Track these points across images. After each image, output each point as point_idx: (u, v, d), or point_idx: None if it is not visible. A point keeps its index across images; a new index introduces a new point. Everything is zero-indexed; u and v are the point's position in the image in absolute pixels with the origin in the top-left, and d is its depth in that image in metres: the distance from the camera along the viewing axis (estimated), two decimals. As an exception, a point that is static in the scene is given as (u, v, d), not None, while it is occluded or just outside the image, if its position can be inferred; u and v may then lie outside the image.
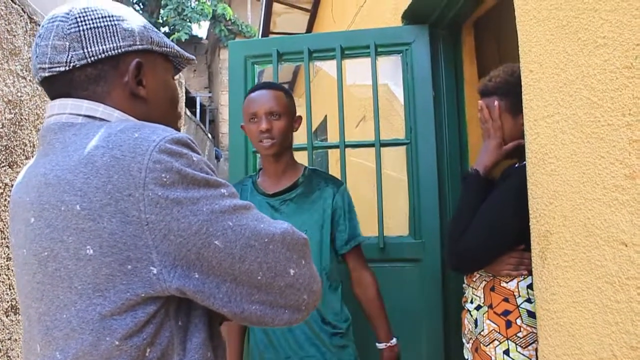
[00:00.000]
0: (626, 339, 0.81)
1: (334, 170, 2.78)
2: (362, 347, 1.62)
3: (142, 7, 14.31)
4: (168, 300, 0.66)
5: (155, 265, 0.62)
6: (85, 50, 0.71)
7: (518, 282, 1.23)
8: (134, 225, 0.61)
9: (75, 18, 0.72)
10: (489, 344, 1.25)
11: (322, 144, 3.58)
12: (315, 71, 4.29)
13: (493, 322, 1.25)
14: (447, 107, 2.13)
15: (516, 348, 1.20)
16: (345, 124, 2.10)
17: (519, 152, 1.30)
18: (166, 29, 13.68)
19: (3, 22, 1.71)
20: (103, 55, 0.72)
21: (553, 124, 1.00)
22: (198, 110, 12.26)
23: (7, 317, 1.69)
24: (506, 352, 1.21)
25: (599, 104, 0.87)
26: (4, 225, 1.66)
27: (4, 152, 1.71)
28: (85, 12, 0.73)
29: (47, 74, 0.73)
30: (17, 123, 1.78)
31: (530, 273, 1.17)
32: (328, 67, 3.72)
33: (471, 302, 1.35)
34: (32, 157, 0.78)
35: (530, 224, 1.10)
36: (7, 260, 1.66)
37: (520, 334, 1.20)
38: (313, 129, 2.16)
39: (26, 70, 1.84)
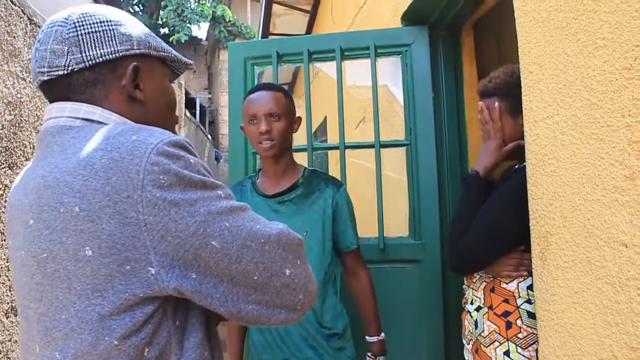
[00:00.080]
0: (626, 339, 0.81)
1: (334, 171, 2.78)
2: (363, 347, 1.62)
3: (141, 8, 14.32)
4: (166, 301, 0.67)
5: (154, 265, 0.63)
6: (84, 55, 0.73)
7: (518, 283, 1.23)
8: (132, 227, 0.62)
9: (74, 23, 0.73)
10: (489, 345, 1.25)
11: (322, 145, 3.58)
12: (315, 72, 4.29)
13: (493, 323, 1.25)
14: (446, 108, 2.14)
15: (516, 349, 1.20)
16: (345, 125, 2.10)
17: (519, 153, 1.30)
18: (166, 30, 13.69)
19: (3, 24, 1.71)
20: (101, 59, 0.73)
21: (553, 125, 1.00)
22: (198, 112, 12.26)
23: (7, 318, 1.69)
24: (506, 353, 1.21)
25: (599, 105, 0.87)
26: (4, 226, 1.66)
27: (3, 154, 1.71)
28: (83, 17, 0.74)
29: (46, 78, 0.74)
30: (17, 124, 1.78)
31: (530, 274, 1.17)
32: (328, 69, 3.72)
33: (471, 303, 1.35)
34: (32, 158, 0.79)
35: (530, 225, 1.10)
36: (7, 262, 1.66)
37: (520, 335, 1.20)
38: (313, 130, 2.16)
39: (26, 72, 1.84)
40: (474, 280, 1.36)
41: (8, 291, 1.68)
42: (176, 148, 0.67)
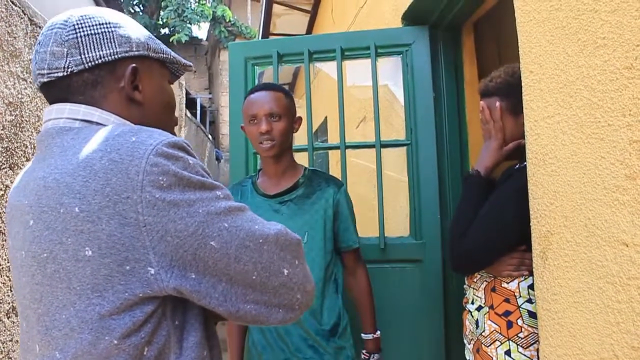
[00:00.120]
0: (627, 339, 0.81)
1: (335, 171, 2.78)
2: (362, 347, 1.62)
3: (142, 8, 14.32)
4: (165, 300, 0.67)
5: (153, 265, 0.64)
6: (83, 56, 0.73)
7: (519, 282, 1.23)
8: (131, 227, 0.63)
9: (73, 25, 0.74)
10: (490, 345, 1.25)
11: (323, 145, 3.58)
12: (315, 72, 4.30)
13: (494, 322, 1.25)
14: (447, 107, 2.14)
15: (517, 348, 1.20)
16: (345, 125, 2.10)
17: (520, 153, 1.30)
18: (166, 30, 13.69)
19: (4, 24, 1.71)
20: (100, 61, 0.74)
21: (553, 125, 1.00)
22: (198, 112, 12.26)
23: (8, 318, 1.69)
24: (507, 353, 1.21)
25: (599, 105, 0.87)
26: (5, 227, 1.66)
27: (4, 154, 1.71)
28: (82, 19, 0.75)
29: (45, 80, 0.75)
30: (17, 125, 1.78)
31: (531, 273, 1.17)
32: (328, 69, 3.72)
33: (472, 302, 1.35)
34: (32, 159, 0.80)
35: (531, 224, 1.10)
36: (8, 262, 1.66)
37: (521, 335, 1.20)
38: (313, 130, 2.16)
39: (27, 72, 1.84)
40: (475, 280, 1.36)
41: (9, 291, 1.69)
42: (175, 149, 0.67)
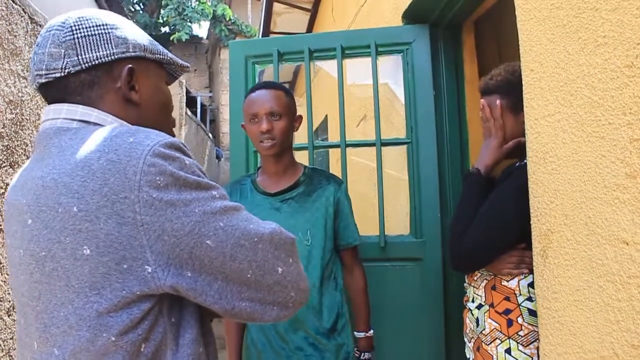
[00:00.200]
0: (627, 337, 0.81)
1: (335, 170, 2.78)
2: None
3: (142, 7, 14.31)
4: (161, 298, 0.68)
5: (150, 264, 0.65)
6: (80, 57, 0.74)
7: (519, 280, 1.24)
8: (129, 226, 0.64)
9: (71, 27, 0.75)
10: (490, 343, 1.25)
11: (323, 143, 3.59)
12: (315, 71, 4.30)
13: (494, 320, 1.25)
14: (447, 106, 2.14)
15: (517, 347, 1.20)
16: (346, 123, 2.10)
17: (520, 151, 1.30)
18: (166, 29, 13.68)
19: (4, 23, 1.71)
20: (96, 62, 0.75)
21: (554, 123, 1.00)
22: (199, 110, 12.27)
23: (9, 316, 1.70)
24: (507, 351, 1.21)
25: (600, 103, 0.87)
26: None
27: (5, 152, 1.71)
28: (79, 21, 0.76)
29: (43, 80, 0.76)
30: (18, 123, 1.79)
31: (531, 271, 1.17)
32: (328, 67, 3.72)
33: (472, 301, 1.36)
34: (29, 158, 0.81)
35: (531, 222, 1.10)
36: (8, 260, 1.67)
37: (521, 333, 1.20)
38: (314, 129, 2.16)
39: (27, 71, 1.84)
40: (475, 278, 1.36)
41: (10, 289, 1.69)
42: (172, 150, 0.69)
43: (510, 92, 1.31)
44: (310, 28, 4.99)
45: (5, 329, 1.67)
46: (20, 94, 1.79)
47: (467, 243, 1.28)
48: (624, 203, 0.82)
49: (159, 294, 0.67)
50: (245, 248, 0.69)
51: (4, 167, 1.70)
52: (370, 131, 2.37)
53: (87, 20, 0.77)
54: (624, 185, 0.82)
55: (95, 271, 0.64)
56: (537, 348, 1.15)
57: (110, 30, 0.77)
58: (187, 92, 10.01)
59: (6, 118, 1.71)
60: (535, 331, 1.17)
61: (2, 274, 1.66)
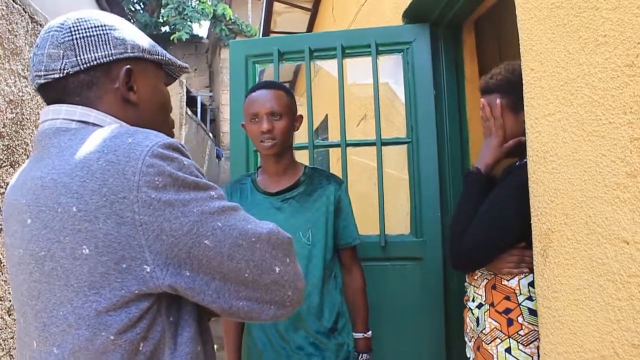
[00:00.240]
0: (628, 336, 0.81)
1: (335, 169, 2.78)
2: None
3: (142, 6, 14.31)
4: (160, 297, 0.69)
5: (149, 263, 0.65)
6: (78, 58, 0.75)
7: (519, 280, 1.24)
8: (128, 226, 0.64)
9: (69, 28, 0.76)
10: (490, 342, 1.25)
11: (323, 143, 3.59)
12: (316, 70, 4.30)
13: (494, 320, 1.25)
14: (448, 105, 2.14)
15: (518, 346, 1.20)
16: (346, 122, 2.10)
17: (520, 150, 1.30)
18: (167, 28, 13.68)
19: (4, 22, 1.71)
20: (95, 63, 0.76)
21: (554, 122, 1.00)
22: (199, 110, 12.27)
23: (9, 316, 1.70)
24: (508, 350, 1.21)
25: (600, 102, 0.87)
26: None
27: (5, 152, 1.71)
28: (78, 22, 0.77)
29: (42, 81, 0.76)
30: (18, 123, 1.79)
31: (531, 271, 1.17)
32: (329, 66, 3.72)
33: (473, 300, 1.36)
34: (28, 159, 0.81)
35: (531, 221, 1.10)
36: (9, 260, 1.67)
37: (521, 332, 1.20)
38: (314, 128, 2.16)
39: (27, 70, 1.84)
40: (476, 278, 1.36)
41: (10, 289, 1.69)
42: (170, 150, 0.69)
43: (511, 91, 1.31)
44: (310, 27, 4.99)
45: (5, 328, 1.67)
46: (20, 94, 1.79)
47: (467, 242, 1.28)
48: (624, 202, 0.82)
49: (158, 293, 0.68)
50: (243, 248, 0.70)
51: (4, 166, 1.70)
52: (370, 131, 2.37)
53: (85, 21, 0.77)
54: (624, 185, 0.82)
55: (95, 271, 0.64)
56: (538, 347, 1.16)
57: (108, 31, 0.78)
58: (188, 91, 10.01)
59: (6, 117, 1.71)
60: (536, 330, 1.17)
61: (2, 273, 1.66)
